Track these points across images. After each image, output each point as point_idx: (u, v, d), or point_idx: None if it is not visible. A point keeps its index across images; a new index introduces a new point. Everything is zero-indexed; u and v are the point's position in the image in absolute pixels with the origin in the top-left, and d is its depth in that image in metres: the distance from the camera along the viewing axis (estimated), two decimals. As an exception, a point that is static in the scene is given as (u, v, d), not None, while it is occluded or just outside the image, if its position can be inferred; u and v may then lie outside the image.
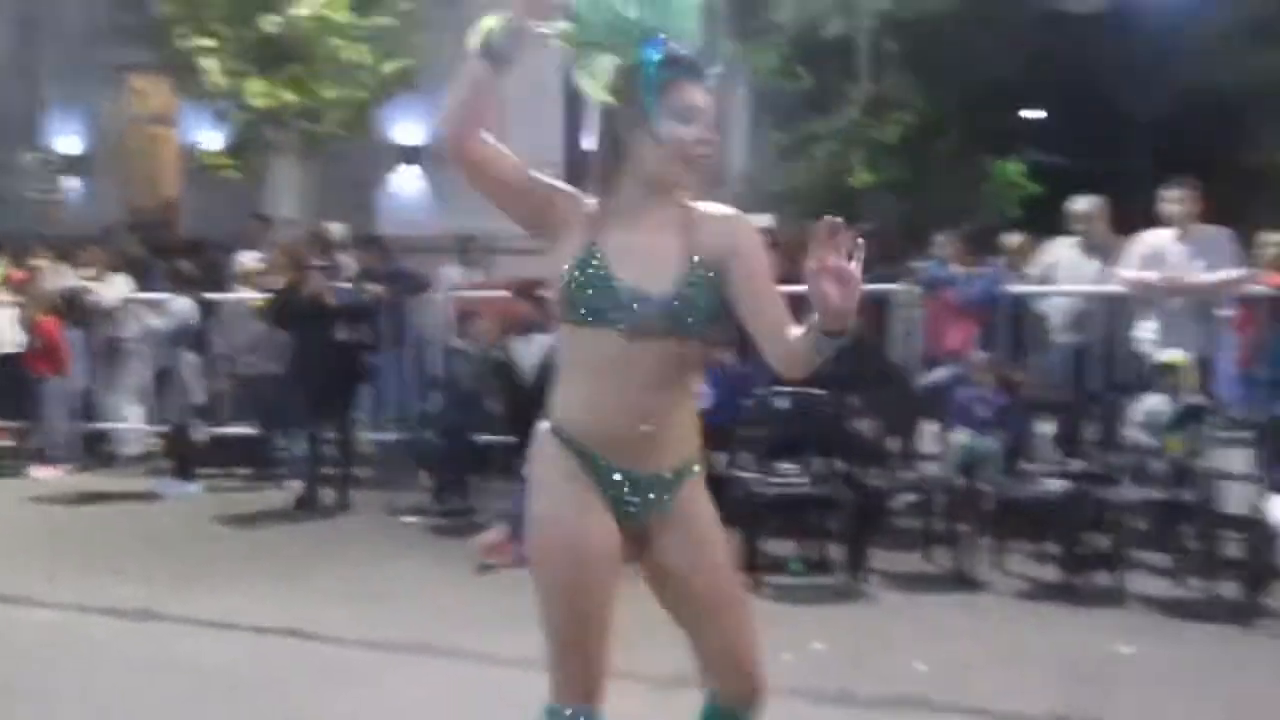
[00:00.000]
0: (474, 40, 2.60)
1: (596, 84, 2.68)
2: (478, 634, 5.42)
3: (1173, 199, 7.20)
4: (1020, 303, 7.93)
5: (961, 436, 7.03)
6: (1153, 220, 7.35)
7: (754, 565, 6.18)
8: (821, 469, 6.89)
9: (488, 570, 6.57)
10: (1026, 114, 23.90)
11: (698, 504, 2.80)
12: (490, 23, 2.60)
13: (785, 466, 6.75)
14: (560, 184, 2.77)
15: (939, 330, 8.02)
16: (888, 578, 6.44)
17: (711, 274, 2.68)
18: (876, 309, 7.93)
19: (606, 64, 2.67)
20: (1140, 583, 6.19)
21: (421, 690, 4.76)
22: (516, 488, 7.17)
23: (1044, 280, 8.01)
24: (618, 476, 2.70)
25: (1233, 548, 6.18)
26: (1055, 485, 6.57)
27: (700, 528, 2.79)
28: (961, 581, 6.33)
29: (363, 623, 5.58)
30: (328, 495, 8.32)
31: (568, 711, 2.70)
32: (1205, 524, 6.19)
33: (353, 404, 8.78)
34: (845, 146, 16.53)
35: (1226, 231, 7.31)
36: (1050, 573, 6.35)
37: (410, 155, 15.10)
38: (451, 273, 10.96)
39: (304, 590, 6.25)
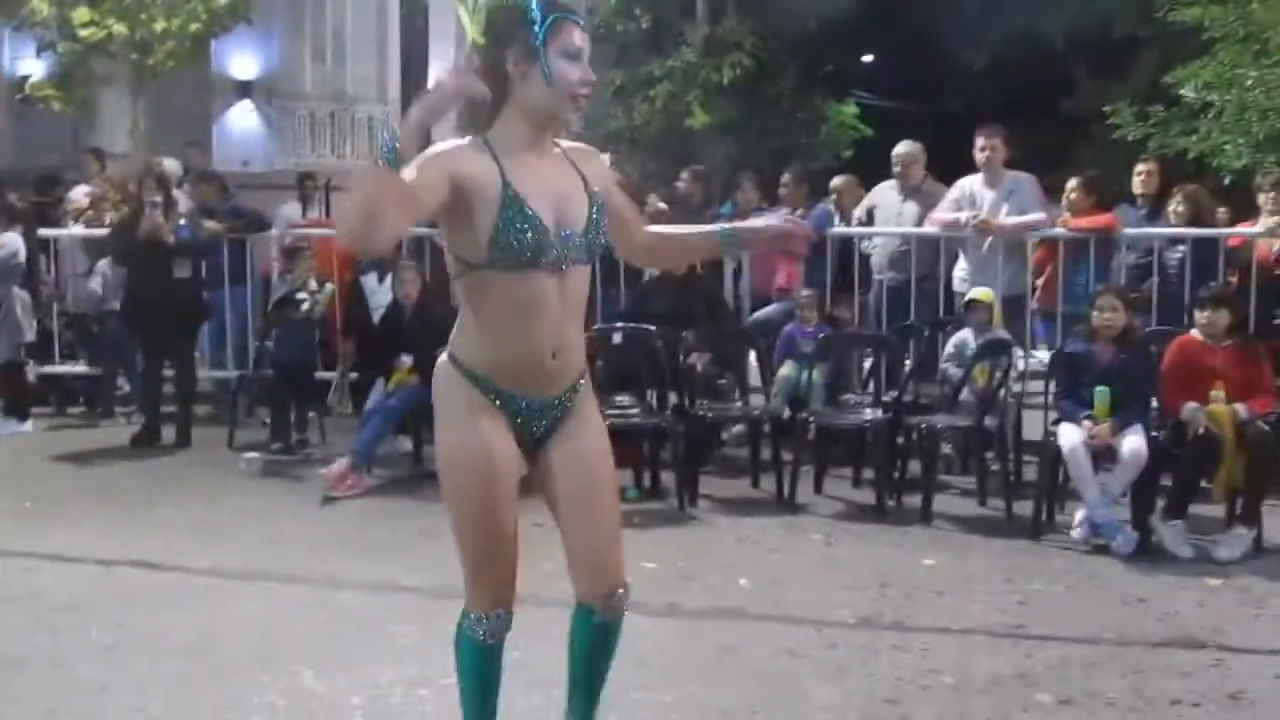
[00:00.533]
0: (377, 152, 2.62)
1: (478, 23, 2.82)
2: (320, 560, 5.63)
3: (981, 145, 7.67)
4: (845, 242, 8.30)
5: (787, 369, 7.42)
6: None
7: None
8: (655, 401, 7.23)
9: (331, 501, 6.74)
10: (864, 59, 24.55)
11: (588, 413, 3.07)
12: (393, 133, 2.64)
13: (621, 398, 7.04)
14: (439, 149, 2.81)
15: (768, 269, 8.39)
16: (717, 502, 6.81)
17: (602, 203, 2.96)
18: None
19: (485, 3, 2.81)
20: (948, 503, 6.70)
21: (266, 613, 4.93)
22: (360, 422, 7.39)
23: (866, 221, 8.43)
24: (525, 406, 2.95)
25: (1030, 470, 6.71)
26: (872, 415, 7.03)
27: (590, 436, 3.05)
28: (785, 505, 6.73)
29: (208, 553, 5.71)
30: (167, 433, 8.33)
31: (486, 615, 2.97)
32: (1005, 449, 6.71)
33: (193, 341, 8.76)
34: (682, 87, 16.90)
35: (1030, 177, 7.83)
36: (866, 495, 6.81)
37: (246, 89, 14.86)
38: (290, 210, 10.94)
39: (147, 524, 6.33)
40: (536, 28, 2.77)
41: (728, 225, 3.19)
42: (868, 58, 25.07)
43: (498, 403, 2.92)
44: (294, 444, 8.05)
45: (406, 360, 7.40)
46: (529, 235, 2.78)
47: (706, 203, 9.16)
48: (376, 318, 8.14)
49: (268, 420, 8.32)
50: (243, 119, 15.79)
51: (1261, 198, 7.73)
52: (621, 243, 3.16)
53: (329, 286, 8.60)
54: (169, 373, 8.54)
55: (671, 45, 17.44)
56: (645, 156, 16.47)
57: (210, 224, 8.93)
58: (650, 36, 17.12)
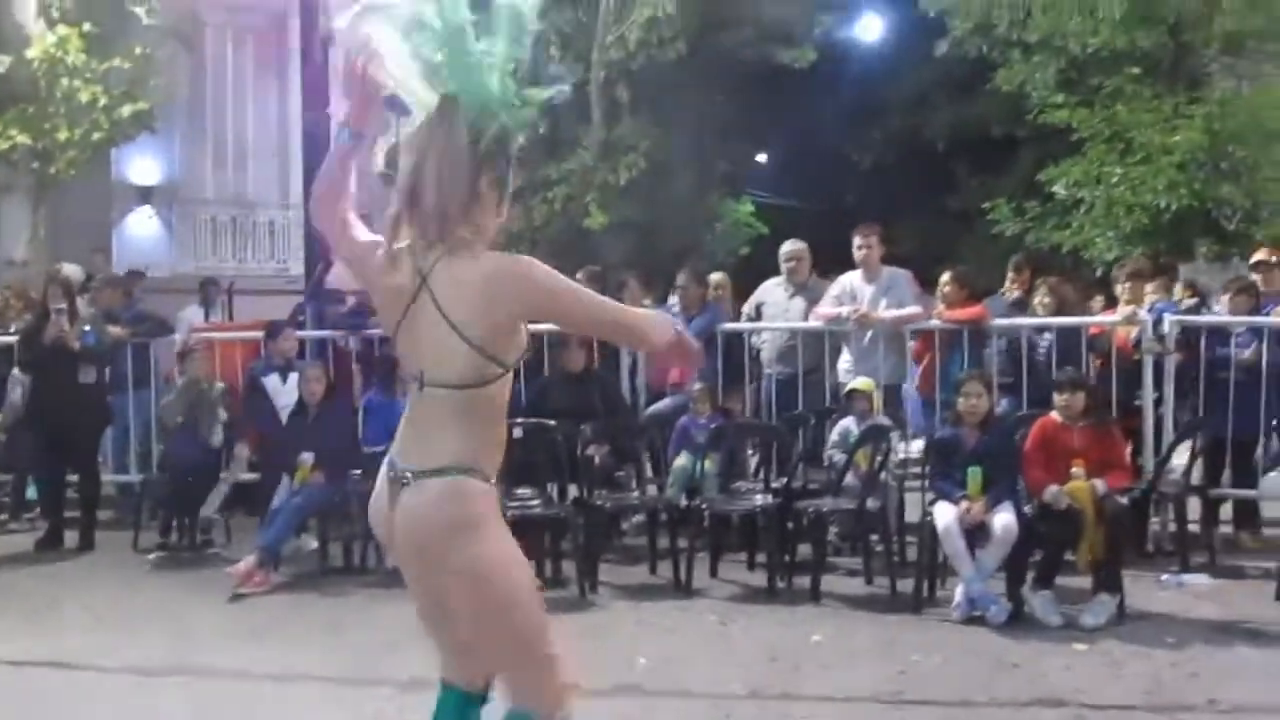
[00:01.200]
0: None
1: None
2: (230, 653, 5.76)
3: (858, 244, 8.13)
4: (732, 336, 8.64)
5: (682, 460, 7.73)
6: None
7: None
8: (555, 493, 7.49)
9: (239, 598, 6.86)
10: (758, 158, 25.38)
11: None
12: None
13: (522, 490, 7.26)
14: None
15: (662, 364, 8.70)
16: (617, 589, 7.05)
17: None
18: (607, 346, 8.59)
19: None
20: (836, 582, 7.02)
21: (178, 707, 5.06)
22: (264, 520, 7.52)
23: (755, 317, 8.82)
24: None
25: (912, 550, 7.07)
26: (763, 500, 7.35)
27: None
28: (681, 590, 6.99)
29: (118, 650, 5.82)
30: (70, 537, 8.36)
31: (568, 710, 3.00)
32: (888, 529, 7.07)
33: (96, 445, 8.83)
34: (579, 189, 17.38)
35: (906, 272, 8.30)
36: (759, 578, 7.10)
37: (146, 195, 14.98)
38: (192, 314, 11.08)
39: (56, 625, 6.40)
40: (510, 165, 2.91)
41: None
42: (761, 158, 25.89)
43: None
44: (194, 544, 8.15)
45: (308, 458, 7.58)
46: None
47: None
48: (284, 417, 8.29)
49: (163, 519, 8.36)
50: (143, 225, 15.89)
51: (1118, 288, 8.28)
52: None
53: (219, 386, 8.69)
54: (72, 477, 8.59)
55: (568, 149, 17.93)
56: (544, 256, 16.83)
57: (114, 329, 9.05)
58: (547, 141, 17.58)
